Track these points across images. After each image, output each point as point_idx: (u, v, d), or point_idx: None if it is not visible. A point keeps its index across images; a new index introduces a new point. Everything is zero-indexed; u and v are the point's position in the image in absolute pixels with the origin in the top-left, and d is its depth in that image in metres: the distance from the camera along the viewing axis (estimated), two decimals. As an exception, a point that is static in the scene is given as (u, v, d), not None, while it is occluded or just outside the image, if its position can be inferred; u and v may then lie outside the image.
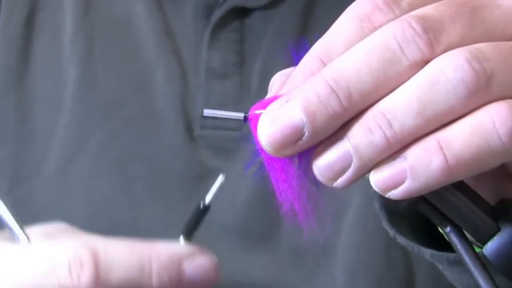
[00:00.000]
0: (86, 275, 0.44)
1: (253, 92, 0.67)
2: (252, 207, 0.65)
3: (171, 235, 0.60)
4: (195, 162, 0.66)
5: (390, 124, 0.35)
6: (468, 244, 0.39)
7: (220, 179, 0.48)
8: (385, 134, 0.35)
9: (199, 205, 0.48)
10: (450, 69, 0.35)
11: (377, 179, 0.36)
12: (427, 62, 0.36)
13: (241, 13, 0.68)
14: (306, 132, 0.35)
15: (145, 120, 0.66)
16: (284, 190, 0.38)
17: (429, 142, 0.35)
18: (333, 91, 0.35)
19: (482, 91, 0.35)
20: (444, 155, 0.35)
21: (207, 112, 0.41)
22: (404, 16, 0.36)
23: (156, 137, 0.66)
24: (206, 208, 0.48)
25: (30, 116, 0.67)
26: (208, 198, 0.48)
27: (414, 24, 0.36)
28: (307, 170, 0.37)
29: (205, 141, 0.67)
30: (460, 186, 0.39)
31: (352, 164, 0.36)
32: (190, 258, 0.47)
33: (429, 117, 0.35)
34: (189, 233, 0.48)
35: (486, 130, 0.35)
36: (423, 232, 0.48)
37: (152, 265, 0.45)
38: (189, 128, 0.66)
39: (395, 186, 0.35)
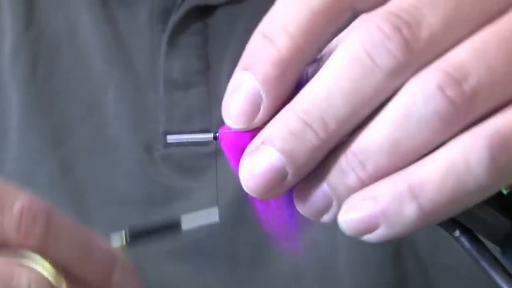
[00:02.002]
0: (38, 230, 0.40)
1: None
2: (235, 230, 0.60)
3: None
4: (158, 186, 0.60)
5: (363, 165, 0.33)
6: (483, 248, 0.36)
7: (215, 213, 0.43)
8: (358, 176, 0.33)
9: (171, 221, 0.44)
10: (421, 100, 0.31)
11: (348, 221, 0.34)
12: (410, 66, 0.32)
13: (202, 12, 0.61)
14: (289, 171, 0.34)
15: (98, 147, 0.61)
16: (264, 210, 0.37)
17: (400, 187, 0.32)
18: (306, 124, 0.33)
19: (462, 119, 0.32)
20: (417, 202, 0.32)
21: (171, 138, 0.38)
22: (371, 15, 0.32)
23: (111, 164, 0.61)
24: (174, 225, 0.43)
25: None
26: (186, 221, 0.42)
27: (382, 24, 0.31)
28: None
29: (170, 161, 0.61)
30: None
31: (333, 204, 0.34)
32: (123, 268, 0.43)
33: (404, 154, 0.32)
34: (135, 236, 0.44)
35: (460, 169, 0.32)
36: None
37: (92, 252, 0.42)
38: (148, 149, 0.61)
39: (369, 231, 0.33)
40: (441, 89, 0.31)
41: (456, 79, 0.31)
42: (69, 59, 0.62)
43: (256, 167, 0.34)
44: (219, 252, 0.60)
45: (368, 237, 0.34)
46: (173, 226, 0.43)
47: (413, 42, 0.31)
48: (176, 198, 0.60)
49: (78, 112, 0.61)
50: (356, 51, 0.32)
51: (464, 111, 0.31)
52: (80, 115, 0.61)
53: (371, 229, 0.33)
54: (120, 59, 0.61)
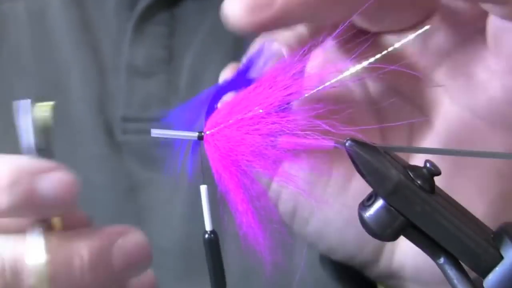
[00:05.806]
0: None
1: (182, 91, 0.61)
2: (192, 226, 0.58)
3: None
4: (121, 173, 0.60)
5: None
6: (466, 278, 0.35)
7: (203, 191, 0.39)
8: None
9: (204, 238, 0.40)
10: None
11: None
12: None
13: (170, 3, 0.61)
14: None
15: (61, 128, 0.59)
16: (240, 206, 0.37)
17: None
18: None
19: None
20: None
21: (155, 132, 0.37)
22: None
23: (75, 146, 0.60)
24: (212, 235, 0.39)
25: None
26: (208, 223, 0.39)
27: None
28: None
29: (130, 148, 0.60)
30: (454, 209, 0.34)
31: None
32: (44, 173, 0.42)
33: None
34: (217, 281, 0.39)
35: None
36: None
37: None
38: (110, 134, 0.60)
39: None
40: None
41: None
42: (36, 38, 0.61)
43: None
44: (174, 249, 0.59)
45: None
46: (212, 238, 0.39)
47: None
48: (140, 188, 0.60)
49: (43, 90, 0.60)
50: None
51: None
52: (45, 93, 0.60)
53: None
54: (87, 42, 0.61)
